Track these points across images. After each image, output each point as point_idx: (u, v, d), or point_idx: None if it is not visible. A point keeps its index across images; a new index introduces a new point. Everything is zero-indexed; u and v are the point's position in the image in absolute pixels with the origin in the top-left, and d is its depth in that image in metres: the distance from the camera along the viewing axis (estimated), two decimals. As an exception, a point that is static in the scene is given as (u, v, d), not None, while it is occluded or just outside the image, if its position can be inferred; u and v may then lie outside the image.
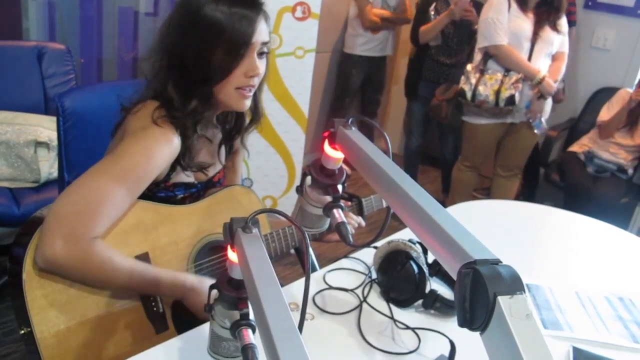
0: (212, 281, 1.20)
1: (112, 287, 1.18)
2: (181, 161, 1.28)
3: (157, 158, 1.20)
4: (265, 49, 1.27)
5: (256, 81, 1.28)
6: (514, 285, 0.59)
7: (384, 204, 1.63)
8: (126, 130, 1.23)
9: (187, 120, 1.25)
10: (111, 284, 1.17)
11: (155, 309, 1.24)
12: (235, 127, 1.45)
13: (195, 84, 1.24)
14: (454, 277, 0.64)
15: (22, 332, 1.11)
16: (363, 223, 1.52)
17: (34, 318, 1.09)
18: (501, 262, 0.62)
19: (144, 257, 1.24)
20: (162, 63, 1.26)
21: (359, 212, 1.55)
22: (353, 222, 1.49)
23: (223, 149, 1.46)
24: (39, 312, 1.10)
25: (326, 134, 1.01)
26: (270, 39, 1.28)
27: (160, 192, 1.31)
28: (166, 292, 1.23)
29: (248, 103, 1.30)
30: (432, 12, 3.44)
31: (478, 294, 0.60)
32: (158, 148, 1.20)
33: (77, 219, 1.09)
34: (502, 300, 0.58)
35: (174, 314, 1.27)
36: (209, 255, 1.35)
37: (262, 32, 1.24)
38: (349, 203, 1.51)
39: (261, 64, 1.26)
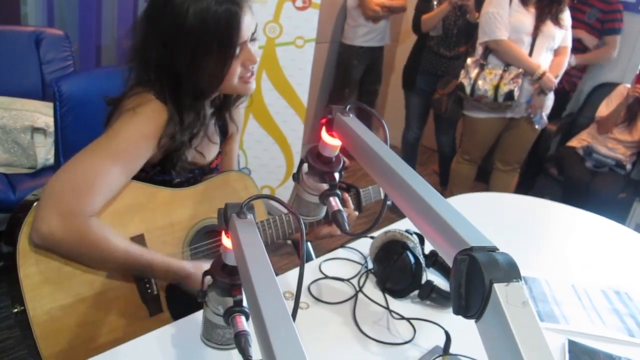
0: (208, 265, 1.20)
1: (105, 267, 1.18)
2: (173, 162, 1.28)
3: (152, 134, 1.19)
4: (255, 35, 1.24)
5: (255, 65, 1.27)
6: (511, 272, 0.58)
7: (382, 195, 1.62)
8: (120, 112, 1.22)
9: (184, 134, 1.24)
10: (105, 263, 1.17)
11: (149, 290, 1.24)
12: (223, 103, 1.43)
13: (190, 98, 1.23)
14: (450, 263, 0.63)
15: (15, 310, 1.11)
16: (356, 213, 1.49)
17: (27, 295, 1.09)
18: (498, 249, 0.61)
19: (140, 239, 1.23)
20: (154, 77, 1.22)
21: (357, 202, 1.53)
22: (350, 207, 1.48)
23: (218, 133, 1.45)
24: (33, 289, 1.10)
25: (324, 120, 1.00)
26: (256, 22, 1.24)
27: (157, 175, 1.30)
28: (160, 277, 1.23)
29: (253, 85, 1.30)
30: (435, 2, 3.43)
31: (474, 281, 0.59)
32: (152, 124, 1.19)
33: (73, 195, 1.09)
34: (498, 288, 0.57)
35: (168, 296, 1.26)
36: (204, 239, 1.35)
37: (249, 23, 1.20)
38: (346, 194, 1.50)
39: (254, 48, 1.25)
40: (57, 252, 1.12)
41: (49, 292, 1.11)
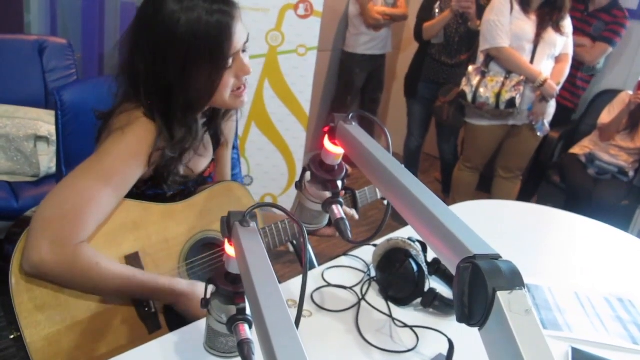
0: (203, 285, 1.19)
1: (99, 293, 1.16)
2: (165, 177, 1.26)
3: (141, 153, 1.17)
4: (247, 45, 1.23)
5: (248, 78, 1.26)
6: (514, 280, 0.58)
7: (379, 195, 1.61)
8: (110, 131, 1.20)
9: (175, 150, 1.22)
10: (98, 290, 1.15)
11: (147, 308, 1.22)
12: (214, 114, 1.41)
13: (182, 110, 1.21)
14: (453, 271, 0.63)
15: (12, 337, 1.10)
16: (356, 216, 1.50)
17: (23, 322, 1.07)
18: (501, 257, 0.61)
19: (134, 257, 1.21)
20: (143, 91, 1.20)
21: (353, 204, 1.53)
22: (347, 212, 1.48)
23: (210, 141, 1.43)
24: (28, 315, 1.08)
25: (326, 128, 1.00)
26: (247, 32, 1.23)
27: (149, 190, 1.28)
28: (156, 298, 1.21)
29: (245, 99, 1.28)
30: (437, 10, 3.44)
31: (477, 289, 0.59)
32: (141, 143, 1.17)
33: (63, 222, 1.07)
34: (502, 296, 0.57)
35: (166, 313, 1.24)
36: (200, 253, 1.33)
37: (241, 32, 1.19)
38: (343, 193, 1.50)
39: (247, 59, 1.24)
40: (49, 281, 1.10)
41: (44, 317, 1.09)
